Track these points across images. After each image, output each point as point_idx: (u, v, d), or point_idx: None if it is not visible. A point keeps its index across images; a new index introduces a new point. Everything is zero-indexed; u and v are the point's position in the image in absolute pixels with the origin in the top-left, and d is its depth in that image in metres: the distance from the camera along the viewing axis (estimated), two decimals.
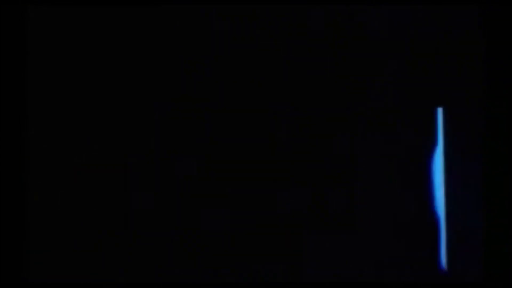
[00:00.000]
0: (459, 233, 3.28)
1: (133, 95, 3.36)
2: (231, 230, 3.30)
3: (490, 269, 2.86)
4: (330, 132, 3.33)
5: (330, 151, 3.32)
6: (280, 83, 3.35)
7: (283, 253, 3.27)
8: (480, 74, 3.09)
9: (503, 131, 2.88)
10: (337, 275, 3.25)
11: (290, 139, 3.33)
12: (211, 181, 3.31)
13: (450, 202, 3.31)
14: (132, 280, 3.22)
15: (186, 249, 3.37)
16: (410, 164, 3.30)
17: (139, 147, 3.38)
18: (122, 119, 3.35)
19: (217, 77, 3.35)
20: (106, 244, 3.22)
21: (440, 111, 3.32)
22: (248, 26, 3.38)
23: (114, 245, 3.25)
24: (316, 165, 3.31)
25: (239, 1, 3.32)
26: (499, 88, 2.93)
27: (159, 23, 3.37)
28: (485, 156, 2.93)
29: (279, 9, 3.35)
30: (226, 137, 3.34)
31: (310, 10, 3.35)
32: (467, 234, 3.25)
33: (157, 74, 3.36)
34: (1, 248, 2.72)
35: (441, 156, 3.32)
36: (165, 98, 3.35)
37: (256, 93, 3.37)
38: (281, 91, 3.35)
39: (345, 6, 3.30)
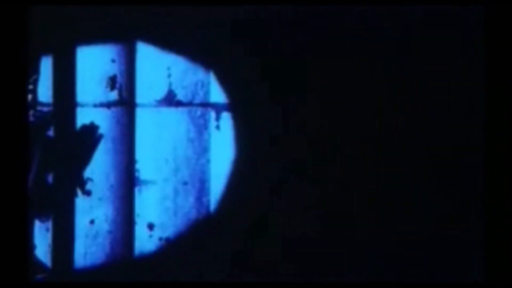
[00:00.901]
0: (459, 233, 3.27)
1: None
2: None
3: (491, 269, 2.84)
4: None
5: None
6: None
7: None
8: (480, 74, 3.07)
9: (503, 131, 2.87)
10: None
11: None
12: None
13: (449, 202, 3.31)
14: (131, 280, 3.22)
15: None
16: None
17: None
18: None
19: None
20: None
21: None
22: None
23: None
24: None
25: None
26: (499, 88, 2.92)
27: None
28: (485, 156, 2.91)
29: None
30: None
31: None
32: (467, 234, 3.25)
33: None
34: (2, 249, 2.71)
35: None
36: None
37: None
38: None
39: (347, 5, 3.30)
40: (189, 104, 3.50)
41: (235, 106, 3.48)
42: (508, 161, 2.85)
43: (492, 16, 2.91)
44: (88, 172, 3.40)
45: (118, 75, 3.37)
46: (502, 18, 2.90)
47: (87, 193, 3.40)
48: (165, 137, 3.51)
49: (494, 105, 2.89)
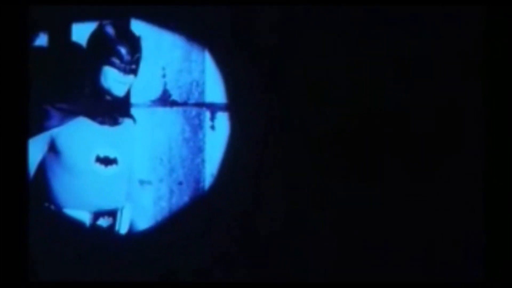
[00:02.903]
0: (459, 233, 3.30)
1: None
2: None
3: (490, 269, 2.87)
4: None
5: None
6: None
7: None
8: (480, 74, 3.10)
9: (503, 131, 2.90)
10: None
11: None
12: None
13: (449, 202, 3.33)
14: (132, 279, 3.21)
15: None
16: None
17: None
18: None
19: None
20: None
21: None
22: None
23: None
24: None
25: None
26: (499, 88, 2.94)
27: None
28: (485, 156, 2.94)
29: None
30: None
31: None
32: (467, 234, 3.27)
33: None
34: (2, 249, 2.70)
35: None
36: None
37: None
38: None
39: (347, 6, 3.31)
40: (184, 104, 3.50)
41: (230, 106, 3.48)
42: (508, 160, 2.87)
43: (492, 16, 2.93)
44: None
45: None
46: (503, 18, 2.93)
47: None
48: (160, 137, 3.51)
49: (494, 105, 2.92)
